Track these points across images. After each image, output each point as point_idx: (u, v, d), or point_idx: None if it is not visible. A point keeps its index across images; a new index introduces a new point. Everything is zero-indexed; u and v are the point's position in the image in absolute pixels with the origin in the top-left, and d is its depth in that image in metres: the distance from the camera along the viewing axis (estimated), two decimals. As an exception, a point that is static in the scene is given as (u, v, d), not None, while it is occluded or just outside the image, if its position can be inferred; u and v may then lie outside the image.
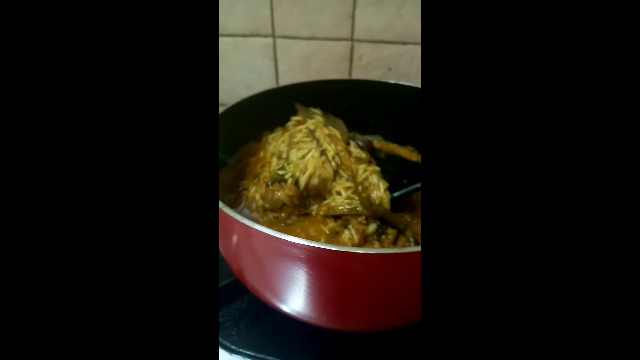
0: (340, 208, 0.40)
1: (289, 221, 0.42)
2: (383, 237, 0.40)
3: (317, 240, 0.38)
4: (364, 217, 0.40)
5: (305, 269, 0.30)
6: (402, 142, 0.58)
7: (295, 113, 0.51)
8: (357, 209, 0.40)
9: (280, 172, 0.42)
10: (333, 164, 0.41)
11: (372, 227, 0.40)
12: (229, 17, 0.63)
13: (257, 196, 0.43)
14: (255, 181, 0.45)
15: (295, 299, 0.35)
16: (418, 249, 0.27)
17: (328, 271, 0.30)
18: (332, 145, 0.43)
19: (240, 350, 0.41)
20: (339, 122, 0.51)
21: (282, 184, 0.42)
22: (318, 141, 0.43)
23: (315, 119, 0.48)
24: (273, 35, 0.65)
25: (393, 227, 0.41)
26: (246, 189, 0.46)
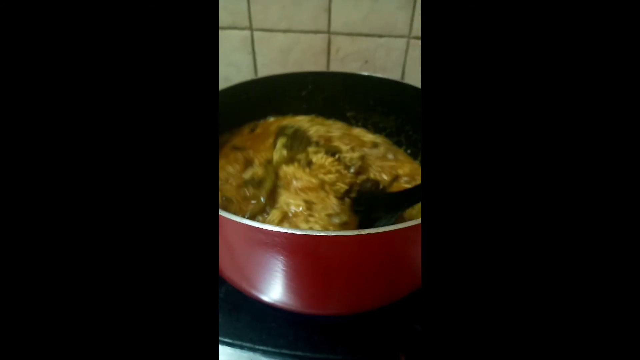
0: None
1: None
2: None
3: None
4: None
5: (275, 255, 0.30)
6: (379, 132, 0.59)
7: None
8: None
9: None
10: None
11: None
12: (206, 9, 0.63)
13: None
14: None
15: (270, 285, 0.35)
16: (384, 229, 0.28)
17: (298, 255, 0.30)
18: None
19: (219, 338, 0.42)
20: None
21: None
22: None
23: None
24: (250, 28, 0.65)
25: None
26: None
